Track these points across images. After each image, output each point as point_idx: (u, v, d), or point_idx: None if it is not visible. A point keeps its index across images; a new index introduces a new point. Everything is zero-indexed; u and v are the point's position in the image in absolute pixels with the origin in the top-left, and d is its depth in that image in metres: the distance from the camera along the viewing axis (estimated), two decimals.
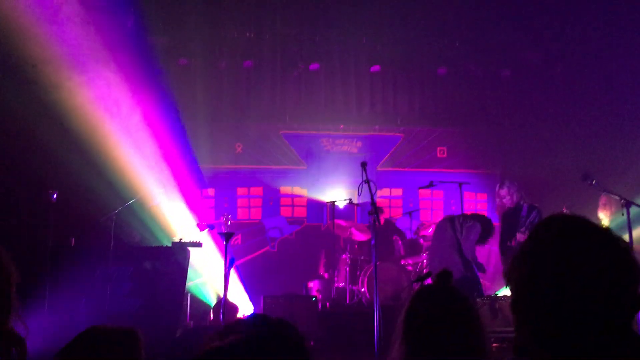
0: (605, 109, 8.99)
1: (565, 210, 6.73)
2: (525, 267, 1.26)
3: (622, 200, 5.48)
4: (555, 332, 1.18)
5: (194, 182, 8.04)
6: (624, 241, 1.24)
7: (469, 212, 6.50)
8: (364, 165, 5.47)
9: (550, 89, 9.61)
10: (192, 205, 7.52)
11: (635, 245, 5.66)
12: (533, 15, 9.17)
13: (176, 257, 6.06)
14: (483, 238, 6.17)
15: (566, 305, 1.18)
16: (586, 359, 1.16)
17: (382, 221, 8.67)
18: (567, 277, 1.18)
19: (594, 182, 5.74)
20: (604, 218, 6.68)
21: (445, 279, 2.06)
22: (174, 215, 7.24)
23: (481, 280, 6.20)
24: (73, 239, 6.11)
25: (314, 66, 9.70)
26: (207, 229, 6.84)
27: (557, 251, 1.23)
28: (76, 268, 5.86)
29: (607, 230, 1.26)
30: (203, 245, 6.47)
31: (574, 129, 9.17)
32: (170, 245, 6.22)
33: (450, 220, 6.27)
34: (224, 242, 5.42)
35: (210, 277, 7.46)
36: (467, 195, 9.42)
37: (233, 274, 7.65)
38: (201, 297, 7.42)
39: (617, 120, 8.73)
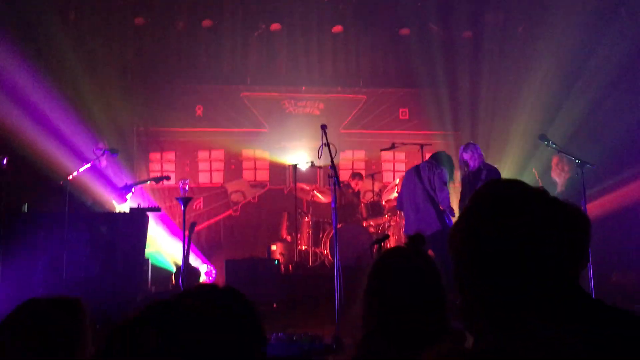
0: (564, 69, 9.10)
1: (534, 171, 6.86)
2: (462, 233, 1.25)
3: (577, 161, 5.58)
4: (495, 297, 1.18)
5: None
6: (560, 202, 1.23)
7: (428, 156, 6.48)
8: (324, 127, 5.42)
9: (511, 51, 9.65)
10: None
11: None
12: None
13: (135, 222, 5.96)
14: (451, 175, 6.25)
15: (504, 269, 1.17)
16: (529, 322, 1.15)
17: (359, 186, 8.79)
18: (502, 240, 1.17)
19: (549, 142, 5.82)
20: (557, 178, 6.80)
21: (418, 242, 2.05)
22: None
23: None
24: (26, 205, 5.92)
25: (275, 26, 9.49)
26: (130, 193, 6.59)
27: (491, 215, 1.21)
28: (30, 235, 5.70)
29: (543, 191, 1.25)
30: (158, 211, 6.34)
31: (534, 90, 9.26)
32: (127, 211, 6.10)
33: (416, 171, 6.28)
34: (183, 207, 5.34)
35: (161, 244, 7.37)
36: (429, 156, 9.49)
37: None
38: (159, 265, 7.35)
39: (575, 82, 8.85)
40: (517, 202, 1.23)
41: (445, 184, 6.09)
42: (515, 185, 1.28)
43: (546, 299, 1.15)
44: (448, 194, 6.10)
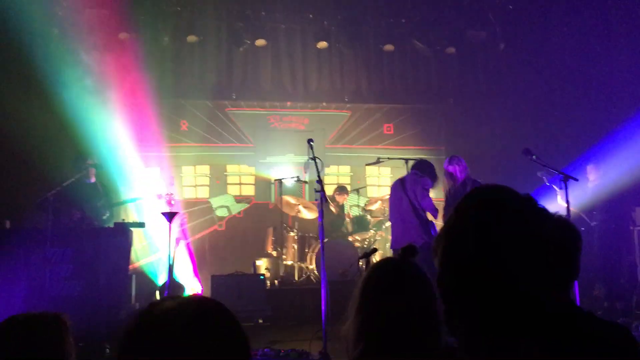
0: (545, 84, 9.26)
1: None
2: (447, 240, 1.24)
3: (562, 175, 5.65)
4: (478, 306, 1.16)
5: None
6: (547, 211, 1.23)
7: (413, 165, 6.42)
8: (310, 142, 5.42)
9: (493, 66, 9.80)
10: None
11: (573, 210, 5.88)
12: None
13: (118, 238, 5.89)
14: (434, 182, 6.26)
15: (489, 278, 1.15)
16: (513, 333, 1.13)
17: (344, 200, 8.77)
18: (488, 249, 1.16)
19: (534, 157, 5.87)
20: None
21: (410, 253, 2.03)
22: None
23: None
24: (8, 222, 5.83)
25: (260, 42, 9.51)
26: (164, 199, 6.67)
27: (477, 221, 1.20)
28: (12, 252, 5.61)
29: (531, 198, 1.25)
30: (146, 225, 6.30)
31: (516, 105, 9.39)
32: (112, 225, 6.03)
33: (401, 184, 6.27)
34: (168, 222, 5.30)
35: (163, 254, 7.34)
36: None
37: (184, 252, 7.57)
38: (152, 277, 7.29)
39: (557, 96, 9.01)
40: (504, 207, 1.22)
41: (427, 191, 6.08)
42: (503, 190, 1.28)
43: (530, 307, 1.14)
44: (431, 200, 6.09)
